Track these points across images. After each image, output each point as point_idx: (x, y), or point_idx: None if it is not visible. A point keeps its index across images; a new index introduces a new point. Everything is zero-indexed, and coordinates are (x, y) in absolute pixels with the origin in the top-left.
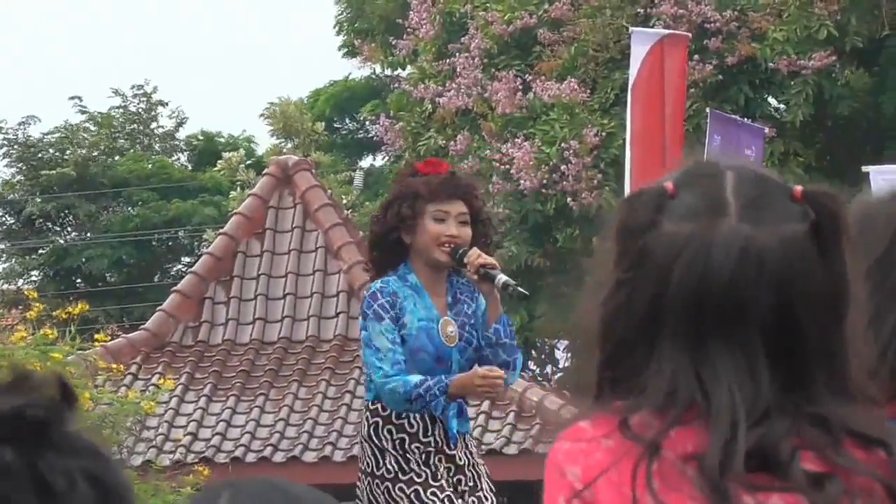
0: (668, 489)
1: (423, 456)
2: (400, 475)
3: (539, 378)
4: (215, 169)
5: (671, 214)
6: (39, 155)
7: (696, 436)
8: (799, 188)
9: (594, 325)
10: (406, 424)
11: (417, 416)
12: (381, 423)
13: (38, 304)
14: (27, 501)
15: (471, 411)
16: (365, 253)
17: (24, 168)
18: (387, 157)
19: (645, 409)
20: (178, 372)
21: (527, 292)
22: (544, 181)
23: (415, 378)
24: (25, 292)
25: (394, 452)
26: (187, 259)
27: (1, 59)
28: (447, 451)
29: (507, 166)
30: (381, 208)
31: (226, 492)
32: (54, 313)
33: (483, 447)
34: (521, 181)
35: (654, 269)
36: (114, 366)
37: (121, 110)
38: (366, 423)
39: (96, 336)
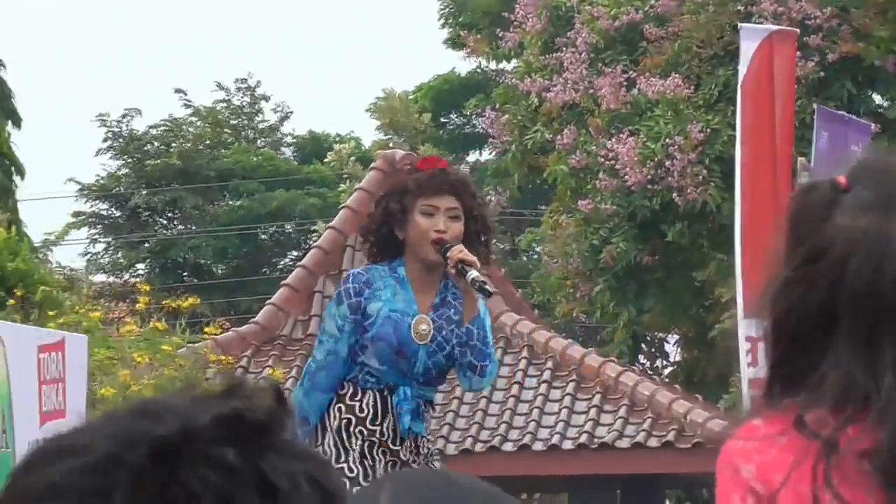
0: (847, 486)
1: (366, 444)
2: (334, 460)
3: (650, 372)
4: (325, 160)
5: (845, 208)
6: (145, 147)
7: (871, 432)
8: None
9: (766, 324)
10: (357, 408)
11: (370, 402)
12: (334, 400)
13: (144, 297)
14: (250, 501)
15: (581, 405)
16: None
17: (128, 160)
18: (493, 151)
19: (819, 406)
20: (289, 365)
21: (491, 292)
22: (650, 177)
23: (318, 398)
24: (137, 285)
25: (336, 434)
26: (294, 253)
27: (105, 53)
28: (391, 446)
29: (613, 162)
30: (374, 203)
31: (389, 484)
32: (163, 303)
33: (595, 441)
34: (627, 177)
35: (830, 264)
36: (223, 358)
37: (224, 104)
38: (336, 416)
39: (206, 329)
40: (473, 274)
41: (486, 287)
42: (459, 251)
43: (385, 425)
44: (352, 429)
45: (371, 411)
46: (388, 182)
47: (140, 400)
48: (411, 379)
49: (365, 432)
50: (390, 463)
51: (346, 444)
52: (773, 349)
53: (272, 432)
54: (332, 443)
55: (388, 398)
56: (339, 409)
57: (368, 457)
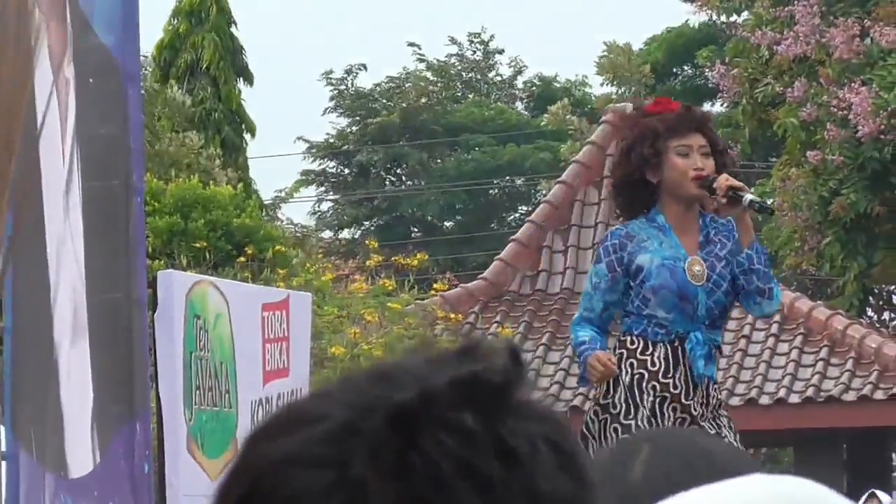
0: None
1: (657, 400)
2: (623, 416)
3: (877, 324)
4: (542, 123)
5: None
6: (372, 105)
7: None
8: None
9: None
10: (648, 362)
11: (661, 355)
12: (625, 355)
13: (376, 256)
14: (489, 466)
15: (808, 358)
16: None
17: (354, 118)
18: (724, 104)
19: None
20: (517, 321)
21: (772, 208)
22: (882, 127)
23: (583, 335)
24: (366, 242)
25: (628, 390)
26: (524, 207)
27: (336, 8)
28: (683, 400)
29: (845, 111)
30: (620, 153)
31: (647, 444)
32: (392, 259)
33: (822, 394)
34: (860, 127)
35: None
36: (452, 315)
37: (458, 58)
38: (612, 351)
39: (435, 285)
40: (750, 196)
41: (766, 204)
42: (726, 179)
43: (677, 377)
44: (644, 384)
45: (663, 364)
46: (632, 130)
47: (377, 364)
48: (698, 323)
49: (658, 387)
50: (679, 420)
51: (638, 400)
52: None
53: (510, 394)
54: (622, 398)
55: (679, 348)
56: (631, 363)
57: (658, 413)
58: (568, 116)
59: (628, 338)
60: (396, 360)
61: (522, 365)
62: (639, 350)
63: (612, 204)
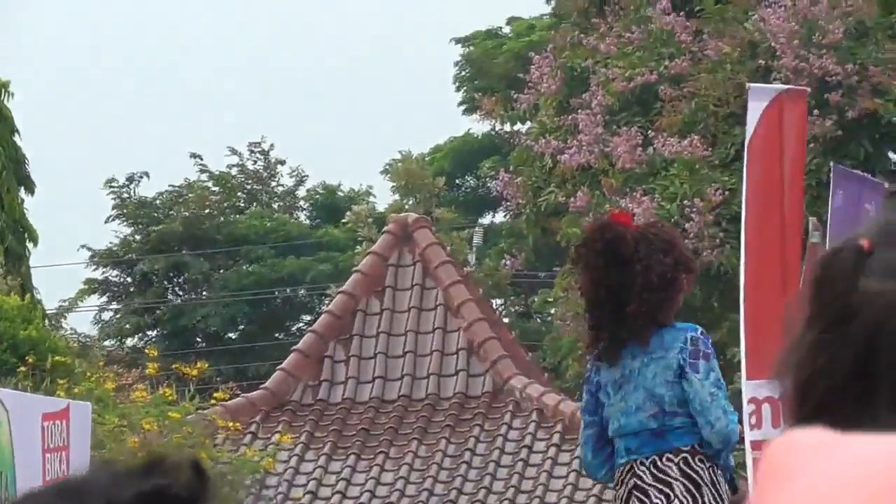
0: None
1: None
2: None
3: None
4: (343, 221)
5: (871, 272)
6: (155, 214)
7: None
8: None
9: (787, 389)
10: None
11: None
12: (716, 469)
13: (153, 364)
14: None
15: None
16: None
17: (137, 226)
18: (507, 214)
19: None
20: (298, 431)
21: None
22: None
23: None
24: (146, 351)
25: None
26: (307, 317)
27: (115, 118)
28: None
29: None
30: (675, 258)
31: None
32: (173, 368)
33: None
34: None
35: (861, 330)
36: (231, 424)
37: (239, 168)
38: (703, 468)
39: (215, 395)
40: None
41: None
42: None
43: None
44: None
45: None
46: (666, 237)
47: (63, 479)
48: None
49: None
50: None
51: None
52: (797, 412)
53: None
54: None
55: None
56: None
57: None
58: (369, 219)
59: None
60: (83, 475)
61: (207, 479)
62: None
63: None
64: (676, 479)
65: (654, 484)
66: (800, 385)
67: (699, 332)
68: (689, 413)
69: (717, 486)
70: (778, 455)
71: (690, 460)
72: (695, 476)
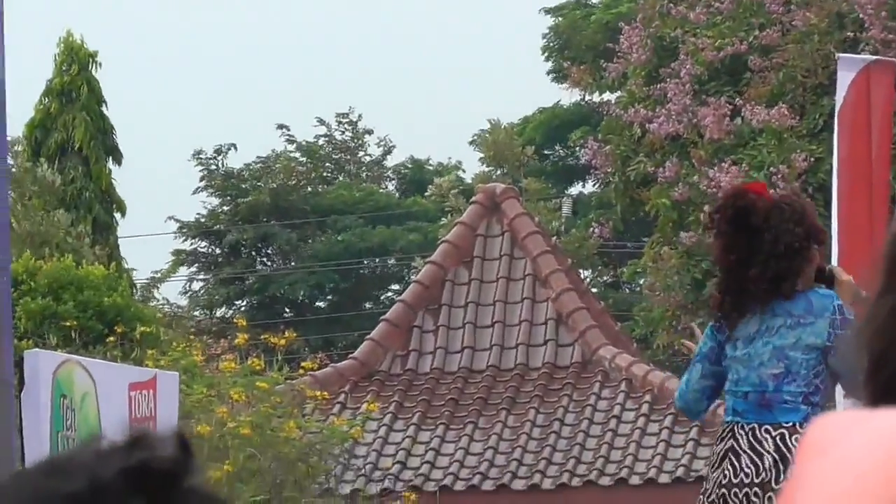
0: None
1: None
2: None
3: None
4: (426, 194)
5: None
6: (242, 185)
7: None
8: None
9: (861, 357)
10: None
11: None
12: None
13: (243, 334)
14: None
15: (679, 438)
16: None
17: (225, 197)
18: (596, 183)
19: None
20: (387, 401)
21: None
22: None
23: None
24: (235, 321)
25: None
26: (396, 286)
27: (206, 90)
28: None
29: (716, 191)
30: (805, 230)
31: None
32: (261, 338)
33: (692, 474)
34: None
35: None
36: (319, 394)
37: (326, 139)
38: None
39: (303, 364)
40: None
41: None
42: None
43: None
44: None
45: None
46: (799, 206)
47: (47, 457)
48: None
49: None
50: None
51: None
52: (872, 384)
53: (179, 481)
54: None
55: None
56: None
57: None
58: (452, 192)
59: None
60: (68, 453)
61: (191, 452)
62: None
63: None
64: (768, 452)
65: (747, 451)
66: (876, 354)
67: (840, 301)
68: (805, 387)
69: None
70: (815, 433)
71: (787, 437)
72: (786, 453)
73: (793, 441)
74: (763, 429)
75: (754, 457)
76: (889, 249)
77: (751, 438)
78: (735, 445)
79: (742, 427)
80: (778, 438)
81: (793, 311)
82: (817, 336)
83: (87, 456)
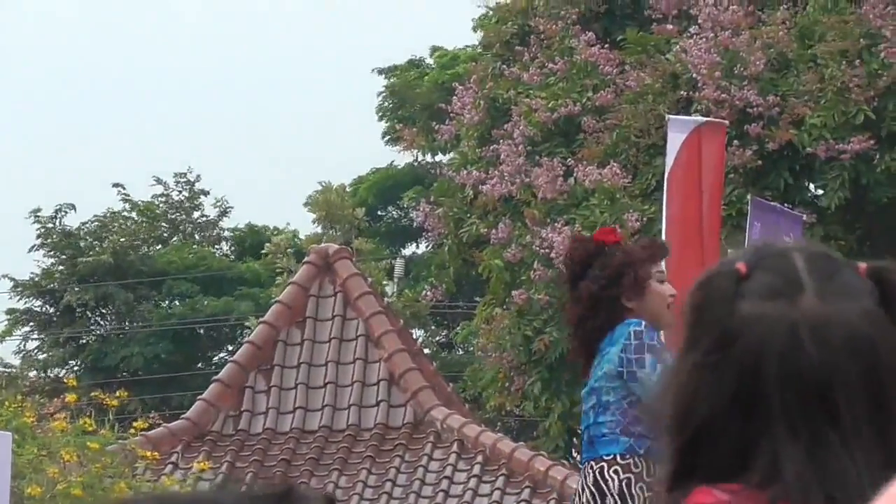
0: None
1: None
2: None
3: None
4: (262, 252)
5: (747, 295)
6: (79, 244)
7: None
8: (863, 265)
9: (665, 412)
10: (632, 465)
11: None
12: (632, 480)
13: (72, 394)
14: None
15: (510, 499)
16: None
17: (62, 257)
18: (429, 244)
19: (785, 496)
20: (219, 461)
21: None
22: None
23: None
24: (65, 380)
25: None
26: (229, 347)
27: (39, 147)
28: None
29: (548, 251)
30: (605, 277)
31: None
32: (93, 395)
33: None
34: (562, 267)
35: (741, 352)
36: (151, 454)
37: (163, 199)
38: (615, 479)
39: (135, 424)
40: None
41: None
42: None
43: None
44: (634, 488)
45: (644, 464)
46: (618, 256)
47: (197, 496)
48: None
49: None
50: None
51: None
52: (678, 436)
53: None
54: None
55: None
56: (642, 487)
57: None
58: (289, 251)
59: (631, 460)
60: (214, 493)
61: None
62: (633, 466)
63: (580, 330)
64: (586, 488)
65: (579, 489)
66: (681, 411)
67: (643, 325)
68: (620, 415)
69: (627, 499)
70: None
71: (605, 470)
72: (602, 485)
73: (610, 473)
74: (588, 465)
75: (580, 491)
76: (690, 304)
77: (583, 475)
78: (577, 486)
79: (582, 466)
80: (598, 472)
81: (601, 347)
82: (611, 363)
83: (234, 500)
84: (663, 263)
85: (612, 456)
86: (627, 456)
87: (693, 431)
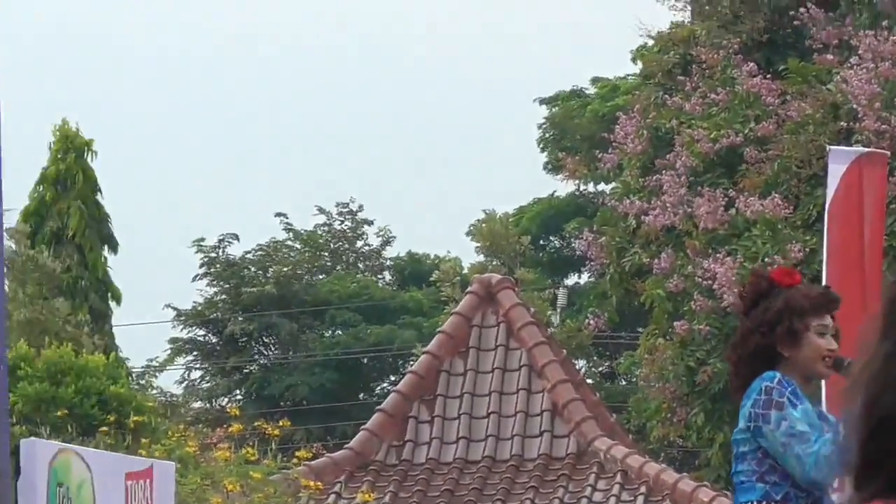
0: None
1: None
2: None
3: None
4: (431, 279)
5: None
6: (242, 273)
7: None
8: None
9: (857, 406)
10: None
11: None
12: None
13: (235, 424)
14: None
15: None
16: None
17: (225, 286)
18: (591, 274)
19: None
20: (382, 491)
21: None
22: None
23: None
24: (228, 410)
25: None
26: (392, 377)
27: (204, 177)
28: None
29: (710, 282)
30: (764, 321)
31: None
32: (255, 425)
33: None
34: (724, 298)
35: None
36: (314, 484)
37: (326, 228)
38: None
39: (297, 454)
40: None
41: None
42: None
43: None
44: None
45: None
46: (780, 300)
47: None
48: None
49: None
50: None
51: None
52: (864, 426)
53: None
54: None
55: None
56: None
57: None
58: (456, 278)
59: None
60: None
61: None
62: None
63: (737, 371)
64: None
65: None
66: (871, 397)
67: (775, 381)
68: (756, 465)
69: None
70: None
71: None
72: None
73: None
74: None
75: None
76: (888, 295)
77: None
78: None
79: None
80: None
81: (746, 395)
82: (743, 417)
83: None
84: (829, 317)
85: (748, 503)
86: (763, 502)
87: (878, 419)
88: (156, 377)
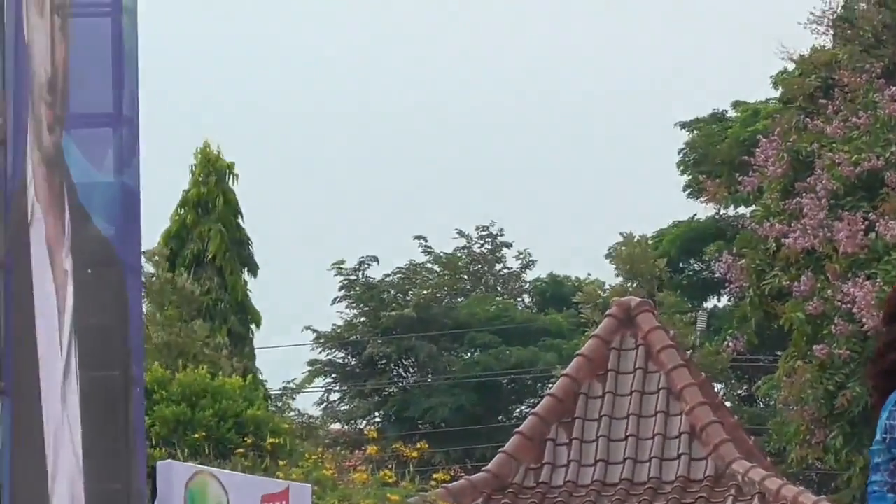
0: None
1: None
2: None
3: None
4: (574, 300)
5: None
6: (382, 296)
7: None
8: None
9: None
10: None
11: None
12: None
13: (373, 446)
14: None
15: None
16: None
17: (365, 309)
18: (730, 297)
19: None
20: None
21: None
22: None
23: None
24: (366, 432)
25: None
26: (531, 400)
27: (344, 202)
28: None
29: (850, 306)
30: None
31: None
32: (393, 448)
33: None
34: (864, 321)
35: None
36: None
37: (465, 251)
38: None
39: (435, 476)
40: None
41: None
42: None
43: None
44: None
45: None
46: None
47: None
48: None
49: None
50: None
51: None
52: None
53: None
54: None
55: None
56: None
57: None
58: (598, 300)
59: None
60: None
61: None
62: None
63: (874, 385)
64: None
65: None
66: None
67: None
68: (889, 476)
69: None
70: None
71: None
72: None
73: None
74: None
75: None
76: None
77: None
78: None
79: None
80: None
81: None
82: (879, 429)
83: None
84: None
85: None
86: None
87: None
88: (293, 399)
